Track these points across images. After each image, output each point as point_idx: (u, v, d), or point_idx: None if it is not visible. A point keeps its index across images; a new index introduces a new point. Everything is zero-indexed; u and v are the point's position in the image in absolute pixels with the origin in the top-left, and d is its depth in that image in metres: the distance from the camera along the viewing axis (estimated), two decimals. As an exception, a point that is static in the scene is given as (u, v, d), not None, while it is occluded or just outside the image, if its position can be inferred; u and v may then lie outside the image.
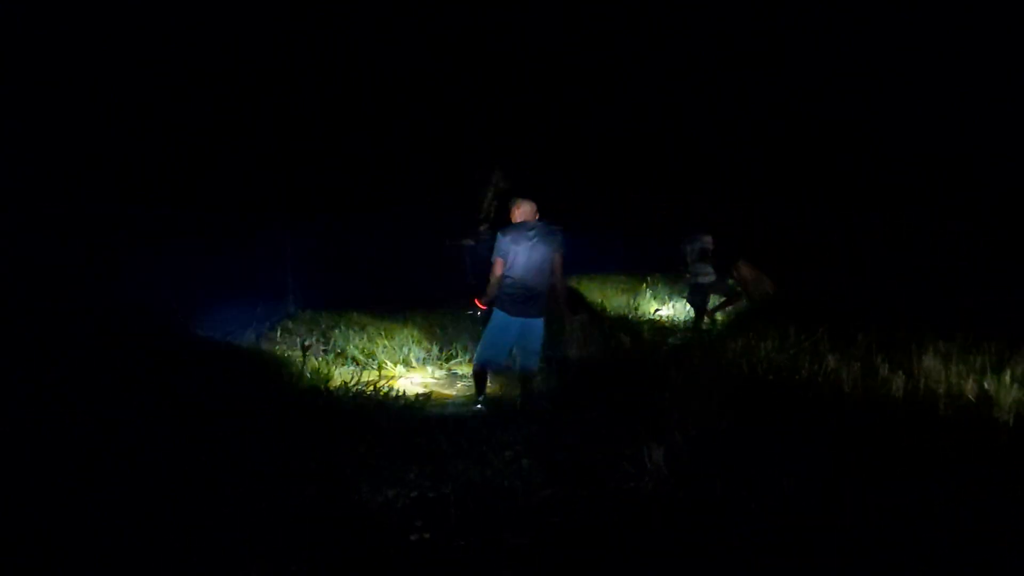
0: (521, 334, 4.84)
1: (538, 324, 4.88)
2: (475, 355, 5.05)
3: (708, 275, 8.36)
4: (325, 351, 6.31)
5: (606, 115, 13.47)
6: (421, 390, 5.29)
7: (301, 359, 5.29)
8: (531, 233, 4.75)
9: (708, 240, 8.40)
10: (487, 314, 4.95)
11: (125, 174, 9.23)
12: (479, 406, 4.82)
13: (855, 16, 13.39)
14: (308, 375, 4.99)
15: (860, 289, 8.78)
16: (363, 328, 6.80)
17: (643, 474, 3.22)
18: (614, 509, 2.94)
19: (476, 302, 4.98)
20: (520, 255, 4.72)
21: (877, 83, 13.54)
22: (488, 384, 5.10)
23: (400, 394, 4.85)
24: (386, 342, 6.39)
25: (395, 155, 12.14)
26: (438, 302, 7.77)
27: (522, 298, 4.75)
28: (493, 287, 4.81)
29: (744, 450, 3.37)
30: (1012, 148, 12.32)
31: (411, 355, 6.28)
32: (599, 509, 2.95)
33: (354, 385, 4.92)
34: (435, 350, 6.54)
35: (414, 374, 6.05)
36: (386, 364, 6.06)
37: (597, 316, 7.98)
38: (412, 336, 6.73)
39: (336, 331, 6.64)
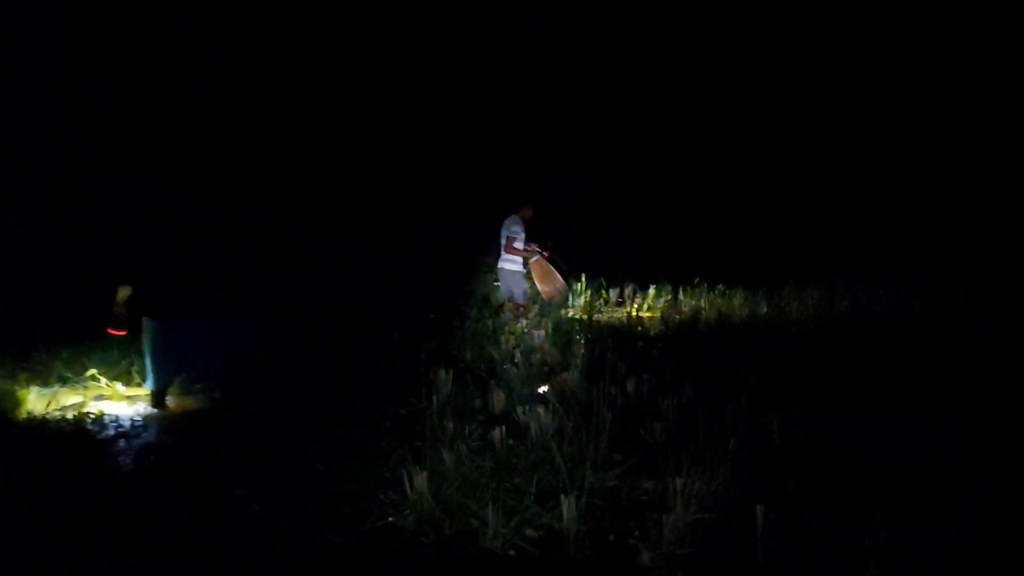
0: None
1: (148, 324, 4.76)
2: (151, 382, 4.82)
3: (512, 262, 7.56)
4: (22, 367, 5.30)
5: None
6: (142, 412, 4.66)
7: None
8: None
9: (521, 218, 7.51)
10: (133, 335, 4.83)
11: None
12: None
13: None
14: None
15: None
16: (77, 339, 5.82)
17: (405, 504, 2.98)
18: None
19: (111, 331, 4.78)
20: None
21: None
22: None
23: (112, 419, 4.26)
24: (102, 353, 5.55)
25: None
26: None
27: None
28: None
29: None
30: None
31: (134, 368, 5.49)
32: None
33: (52, 411, 4.23)
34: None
35: (137, 390, 5.30)
36: (100, 381, 5.24)
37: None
38: (138, 342, 5.91)
39: (39, 343, 5.62)
